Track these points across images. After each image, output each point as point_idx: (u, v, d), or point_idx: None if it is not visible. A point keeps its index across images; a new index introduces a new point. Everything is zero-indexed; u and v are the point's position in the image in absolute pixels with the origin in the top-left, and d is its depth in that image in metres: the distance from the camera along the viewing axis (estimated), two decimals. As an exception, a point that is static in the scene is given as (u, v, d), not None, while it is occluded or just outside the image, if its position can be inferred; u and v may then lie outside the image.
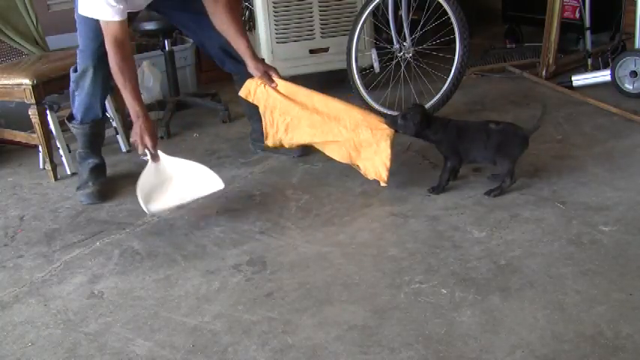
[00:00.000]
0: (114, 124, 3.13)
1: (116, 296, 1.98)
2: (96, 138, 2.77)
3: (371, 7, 3.31)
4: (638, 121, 2.99)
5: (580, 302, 1.77)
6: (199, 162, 2.50)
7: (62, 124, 2.94)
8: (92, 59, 2.56)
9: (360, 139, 2.51)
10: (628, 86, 3.33)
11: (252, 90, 2.62)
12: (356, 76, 3.37)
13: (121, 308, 1.92)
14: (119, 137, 3.17)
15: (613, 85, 3.38)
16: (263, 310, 1.85)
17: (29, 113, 2.78)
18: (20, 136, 2.99)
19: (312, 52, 3.64)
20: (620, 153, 2.69)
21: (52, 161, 2.88)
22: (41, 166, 3.03)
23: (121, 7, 2.31)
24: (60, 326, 1.85)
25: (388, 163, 2.47)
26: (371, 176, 2.53)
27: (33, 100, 2.74)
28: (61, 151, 2.91)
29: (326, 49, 3.66)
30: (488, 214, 2.29)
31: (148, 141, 2.43)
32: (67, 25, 3.73)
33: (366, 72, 3.53)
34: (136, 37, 3.86)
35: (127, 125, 3.28)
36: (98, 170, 2.76)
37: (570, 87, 3.51)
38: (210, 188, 2.43)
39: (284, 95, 2.59)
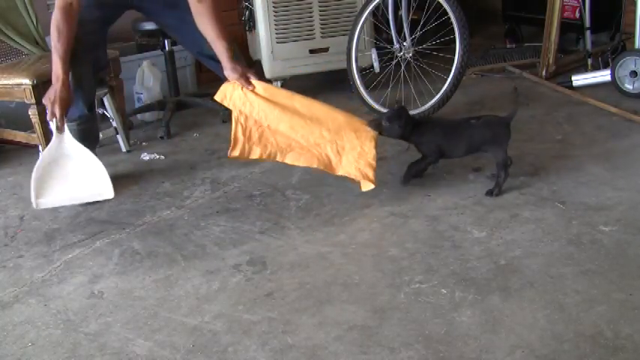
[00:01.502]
0: (114, 124, 3.13)
1: (116, 296, 1.98)
2: (87, 136, 2.70)
3: (371, 7, 3.31)
4: (638, 121, 2.99)
5: (580, 302, 1.77)
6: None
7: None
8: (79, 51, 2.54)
9: (344, 142, 2.42)
10: (628, 86, 3.33)
11: (229, 94, 2.44)
12: (356, 76, 3.38)
13: (121, 308, 1.92)
14: (119, 137, 3.17)
15: (613, 85, 3.38)
16: (263, 310, 1.85)
17: (29, 113, 2.78)
18: (20, 136, 2.99)
19: (312, 52, 3.65)
20: (620, 153, 2.69)
21: (52, 161, 2.88)
22: (41, 166, 3.03)
23: None
24: (60, 326, 1.85)
25: (374, 163, 2.42)
26: (358, 178, 2.45)
27: (33, 100, 2.74)
28: (60, 151, 2.91)
29: (326, 49, 3.66)
30: (488, 214, 2.29)
31: (57, 109, 2.42)
32: (67, 25, 3.74)
33: (366, 72, 3.54)
34: (136, 37, 3.86)
35: (127, 125, 3.29)
36: None
37: (570, 87, 3.51)
38: (100, 194, 2.44)
39: (263, 97, 2.42)
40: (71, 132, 2.70)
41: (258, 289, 1.96)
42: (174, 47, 3.61)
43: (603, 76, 3.45)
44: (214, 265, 2.11)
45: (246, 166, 2.88)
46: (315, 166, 2.45)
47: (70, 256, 2.24)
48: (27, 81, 2.72)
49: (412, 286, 1.90)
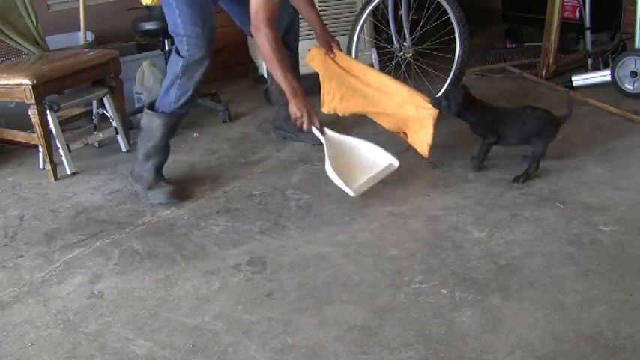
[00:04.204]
0: (114, 124, 3.13)
1: (116, 296, 1.98)
2: (178, 123, 2.67)
3: (371, 7, 3.31)
4: (638, 121, 2.99)
5: (580, 302, 1.77)
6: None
7: (62, 124, 2.95)
8: (208, 47, 2.48)
9: (407, 115, 2.66)
10: (628, 86, 3.33)
11: (315, 57, 2.84)
12: (356, 76, 3.37)
13: (121, 308, 1.92)
14: (119, 137, 3.17)
15: (613, 85, 3.37)
16: (263, 310, 1.85)
17: (29, 113, 2.79)
18: (20, 136, 2.99)
19: (312, 51, 3.64)
20: (620, 153, 2.69)
21: (52, 161, 2.88)
22: (41, 166, 3.03)
23: None
24: (60, 326, 1.85)
25: (430, 141, 2.61)
26: (416, 146, 2.68)
27: (33, 100, 2.74)
28: (61, 151, 2.91)
29: (326, 49, 3.65)
30: (488, 214, 2.29)
31: (315, 120, 2.51)
32: (67, 25, 3.74)
33: (366, 72, 3.53)
34: (136, 37, 3.86)
35: (127, 125, 3.29)
36: (161, 168, 2.65)
37: (570, 87, 3.51)
38: (391, 165, 2.49)
39: (341, 67, 2.80)
40: (167, 124, 2.58)
41: (258, 289, 1.96)
42: (174, 47, 3.60)
43: (603, 76, 3.44)
44: (214, 265, 2.11)
45: (246, 166, 2.88)
46: (386, 127, 2.82)
47: (70, 256, 2.24)
48: (27, 81, 2.72)
49: (412, 286, 1.90)
